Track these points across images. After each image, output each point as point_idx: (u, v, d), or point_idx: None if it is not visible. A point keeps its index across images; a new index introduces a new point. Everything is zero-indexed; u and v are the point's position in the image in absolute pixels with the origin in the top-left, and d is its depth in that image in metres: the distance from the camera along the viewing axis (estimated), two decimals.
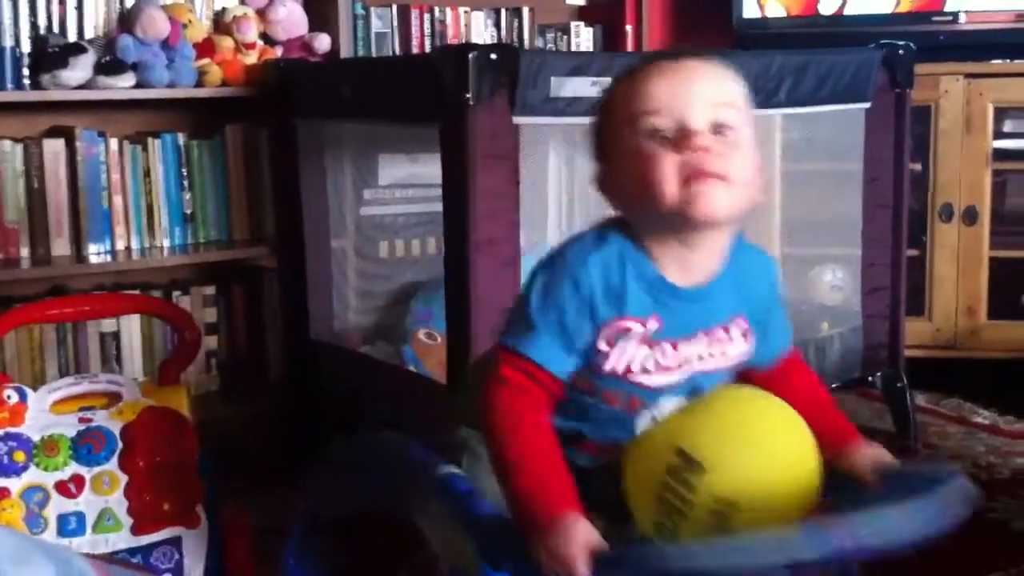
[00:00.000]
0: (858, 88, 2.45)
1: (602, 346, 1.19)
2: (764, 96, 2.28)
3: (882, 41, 2.50)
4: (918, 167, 2.89)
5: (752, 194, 1.18)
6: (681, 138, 1.13)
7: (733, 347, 1.25)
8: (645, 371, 1.20)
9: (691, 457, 1.13)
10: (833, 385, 2.55)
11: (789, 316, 2.56)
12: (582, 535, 1.08)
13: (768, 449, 1.17)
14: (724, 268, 1.22)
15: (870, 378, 2.60)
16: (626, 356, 1.20)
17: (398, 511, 1.35)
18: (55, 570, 0.78)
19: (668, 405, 1.23)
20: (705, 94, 1.15)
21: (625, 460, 1.22)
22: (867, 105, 2.49)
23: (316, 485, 1.55)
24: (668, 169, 1.12)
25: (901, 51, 2.50)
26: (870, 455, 1.27)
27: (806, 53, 2.39)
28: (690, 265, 1.20)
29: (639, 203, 1.16)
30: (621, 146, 1.17)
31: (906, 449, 2.55)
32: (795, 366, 1.36)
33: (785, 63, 2.31)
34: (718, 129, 1.14)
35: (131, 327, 2.57)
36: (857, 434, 1.30)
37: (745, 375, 1.31)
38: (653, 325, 1.19)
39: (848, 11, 3.16)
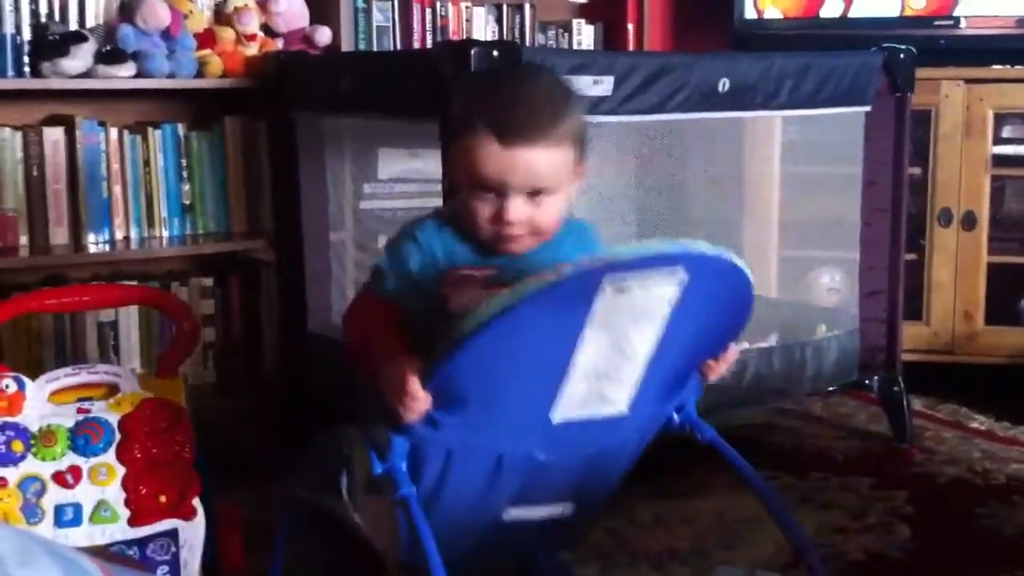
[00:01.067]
0: (858, 91, 2.45)
1: (445, 290, 1.42)
2: (764, 97, 2.28)
3: (883, 45, 2.51)
4: (917, 171, 2.89)
5: (557, 221, 1.44)
6: (497, 207, 1.39)
7: None
8: None
9: None
10: (830, 388, 2.56)
11: (786, 317, 2.58)
12: (410, 362, 1.29)
13: None
14: (545, 243, 1.45)
15: (867, 381, 2.60)
16: (466, 297, 1.40)
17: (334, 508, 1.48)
18: (61, 570, 0.77)
19: None
20: (524, 180, 1.38)
21: None
22: (867, 108, 2.49)
23: (297, 483, 1.59)
24: (484, 222, 1.40)
25: (902, 55, 2.50)
26: None
27: (807, 55, 2.39)
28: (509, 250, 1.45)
29: (465, 215, 1.43)
30: (459, 169, 1.42)
31: (901, 452, 2.56)
32: None
33: (786, 65, 2.31)
34: (533, 193, 1.39)
35: (129, 318, 2.56)
36: None
37: None
38: (489, 271, 1.43)
39: (850, 14, 3.16)
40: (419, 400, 1.27)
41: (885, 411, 2.64)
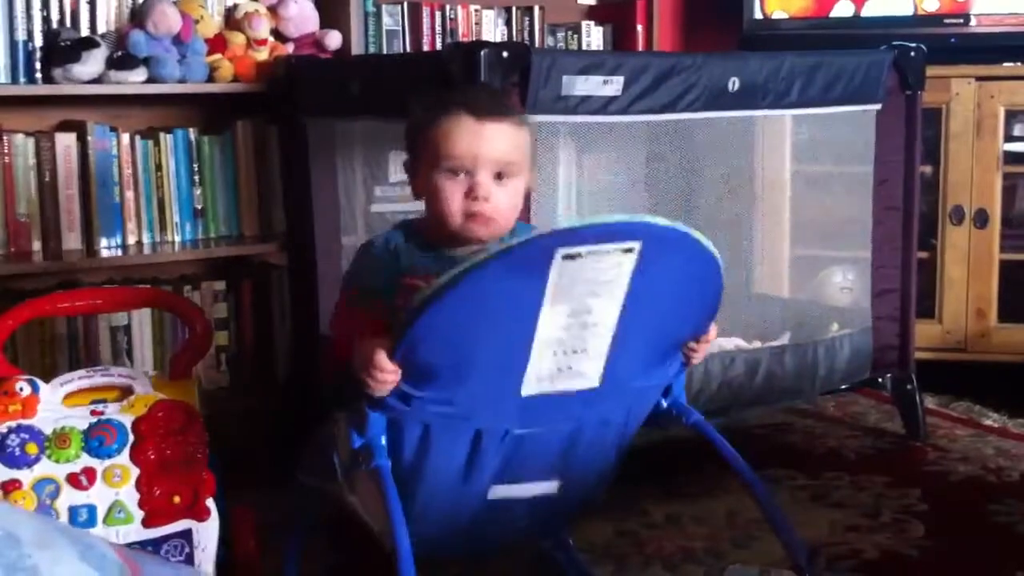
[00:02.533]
0: (869, 90, 2.45)
1: (400, 303, 1.44)
2: (775, 97, 2.28)
3: (894, 43, 2.50)
4: (929, 170, 2.88)
5: (516, 213, 1.56)
6: (469, 187, 1.51)
7: None
8: None
9: None
10: (843, 386, 2.56)
11: (798, 316, 2.57)
12: (380, 340, 1.34)
13: None
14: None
15: (880, 380, 2.60)
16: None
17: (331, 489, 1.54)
18: (78, 554, 0.78)
19: None
20: (494, 154, 1.51)
21: None
22: (878, 107, 2.48)
23: (301, 471, 1.65)
24: (455, 205, 1.51)
25: (912, 53, 2.49)
26: None
27: (817, 54, 2.38)
28: (465, 245, 1.53)
29: (432, 209, 1.54)
30: (427, 165, 1.53)
31: (915, 450, 2.55)
32: None
33: (796, 64, 2.31)
34: (499, 176, 1.52)
35: (141, 321, 2.57)
36: None
37: None
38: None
39: (861, 13, 3.15)
40: (387, 371, 1.33)
41: (898, 409, 2.64)
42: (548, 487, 1.51)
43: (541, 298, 1.28)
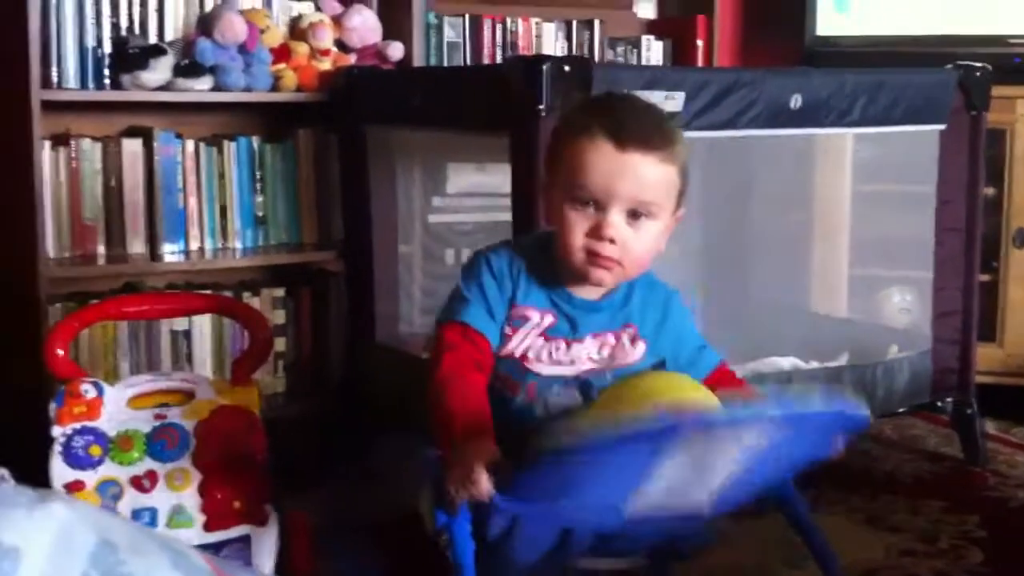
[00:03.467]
0: (933, 109, 2.43)
1: (506, 329, 1.42)
2: (837, 114, 2.27)
3: (958, 63, 2.47)
4: (992, 191, 2.85)
5: (651, 257, 1.42)
6: (596, 223, 1.36)
7: (622, 351, 1.45)
8: (539, 360, 1.42)
9: None
10: (901, 409, 2.53)
11: (856, 337, 2.55)
12: (485, 449, 1.24)
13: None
14: (620, 290, 1.45)
15: (939, 403, 2.56)
16: (524, 342, 1.42)
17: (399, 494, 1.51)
18: (170, 561, 0.79)
19: (559, 396, 1.42)
20: (631, 190, 1.35)
21: None
22: (941, 127, 2.46)
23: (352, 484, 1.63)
24: (577, 240, 1.37)
25: (977, 73, 2.46)
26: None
27: (880, 72, 2.37)
28: (586, 286, 1.43)
29: (557, 240, 1.40)
30: (556, 185, 1.40)
31: (973, 475, 2.51)
32: (725, 379, 1.51)
33: (859, 82, 2.29)
34: (634, 215, 1.37)
35: (202, 326, 2.60)
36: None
37: None
38: (549, 319, 1.43)
39: (922, 31, 3.12)
40: (481, 491, 1.22)
41: (957, 434, 2.60)
42: (632, 561, 1.46)
43: (662, 457, 1.19)
